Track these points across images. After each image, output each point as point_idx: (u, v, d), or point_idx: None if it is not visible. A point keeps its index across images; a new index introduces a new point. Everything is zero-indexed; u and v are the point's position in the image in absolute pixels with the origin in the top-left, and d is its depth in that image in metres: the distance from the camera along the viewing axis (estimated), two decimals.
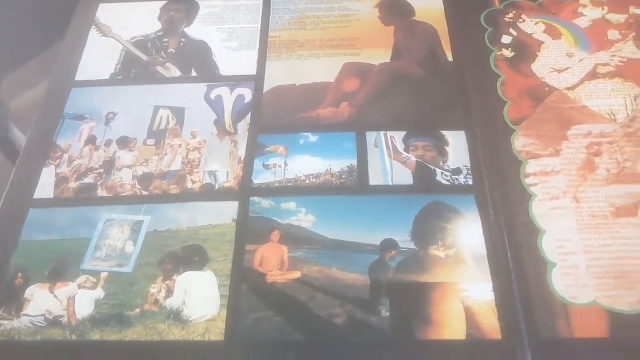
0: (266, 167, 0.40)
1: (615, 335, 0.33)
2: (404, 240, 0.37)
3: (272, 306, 0.34)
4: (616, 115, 0.41)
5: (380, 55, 0.47)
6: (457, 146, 0.41)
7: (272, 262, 0.36)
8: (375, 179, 0.40)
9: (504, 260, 0.36)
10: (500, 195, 0.38)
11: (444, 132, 0.42)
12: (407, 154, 0.41)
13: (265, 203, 0.39)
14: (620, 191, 0.37)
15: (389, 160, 0.41)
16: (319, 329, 0.33)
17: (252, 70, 0.46)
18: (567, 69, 0.44)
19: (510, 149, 0.40)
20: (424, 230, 0.37)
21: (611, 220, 0.36)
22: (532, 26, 0.47)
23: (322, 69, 0.46)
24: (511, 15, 0.48)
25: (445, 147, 0.41)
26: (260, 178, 0.40)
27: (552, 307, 0.34)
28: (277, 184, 0.40)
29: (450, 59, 0.46)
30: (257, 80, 0.45)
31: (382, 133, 0.42)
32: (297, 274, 0.35)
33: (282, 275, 0.35)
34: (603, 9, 0.47)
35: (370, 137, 0.42)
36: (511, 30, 0.47)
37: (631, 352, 0.32)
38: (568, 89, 0.43)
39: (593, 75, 0.43)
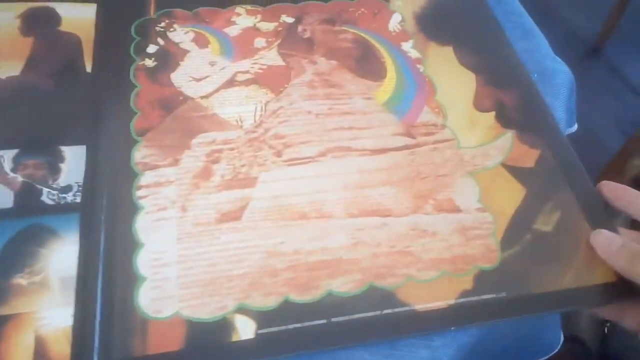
0: None
1: (190, 345, 0.31)
2: None
3: None
4: (244, 121, 0.41)
5: (10, 68, 0.42)
6: (74, 162, 0.38)
7: None
8: None
9: (93, 281, 0.33)
10: (107, 211, 0.36)
11: (63, 148, 0.39)
12: (13, 174, 0.37)
13: None
14: (230, 196, 0.37)
15: None
16: None
17: None
18: (206, 77, 0.44)
19: (129, 161, 0.38)
20: (12, 257, 0.33)
21: (214, 226, 0.36)
22: (181, 35, 0.46)
23: None
24: (163, 24, 0.46)
25: (60, 164, 0.38)
26: None
27: (132, 325, 0.32)
28: None
29: (90, 70, 0.43)
30: None
31: None
32: None
33: None
34: (256, 17, 0.48)
35: None
36: (159, 40, 0.45)
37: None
38: (202, 97, 0.42)
39: (231, 82, 0.43)
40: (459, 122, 0.43)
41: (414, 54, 0.48)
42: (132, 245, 0.35)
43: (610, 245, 0.36)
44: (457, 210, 0.38)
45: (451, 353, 0.35)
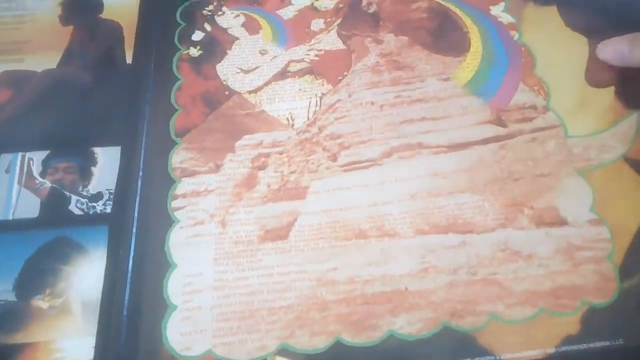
0: None
1: None
2: (5, 291, 0.29)
3: None
4: (295, 119, 0.35)
5: (47, 61, 0.39)
6: (107, 165, 0.34)
7: None
8: None
9: (118, 308, 0.28)
10: (139, 224, 0.31)
11: (97, 149, 0.35)
12: (42, 179, 0.33)
13: None
14: (276, 209, 0.32)
15: (18, 187, 0.33)
16: None
17: None
18: (256, 68, 0.38)
19: (166, 166, 0.33)
20: (33, 275, 0.30)
21: (256, 245, 0.30)
22: (230, 19, 0.41)
23: None
24: (211, 7, 0.41)
25: (92, 168, 0.34)
26: None
27: None
28: None
29: (130, 61, 0.39)
30: None
31: (19, 154, 0.34)
32: None
33: None
34: None
35: (5, 159, 0.34)
36: (205, 25, 0.40)
37: None
38: (250, 92, 0.37)
39: (283, 74, 0.38)
40: (566, 103, 0.35)
41: (506, 18, 0.39)
42: (163, 265, 0.30)
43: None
44: (562, 222, 0.30)
45: None
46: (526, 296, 0.28)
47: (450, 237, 0.30)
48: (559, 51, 0.37)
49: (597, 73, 0.35)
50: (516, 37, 0.38)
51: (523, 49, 0.37)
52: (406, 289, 0.28)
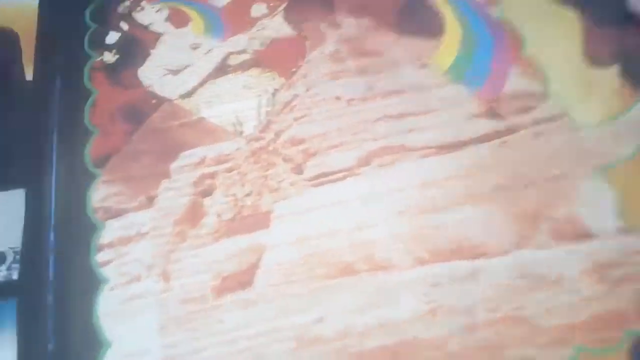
0: None
1: None
2: None
3: None
4: (244, 124, 0.28)
5: None
6: (8, 216, 0.27)
7: None
8: None
9: None
10: (56, 291, 0.24)
11: None
12: None
13: None
14: (233, 247, 0.25)
15: None
16: None
17: None
18: (186, 67, 0.30)
19: (84, 208, 0.25)
20: None
21: (212, 301, 0.23)
22: (152, 14, 0.33)
23: None
24: (127, 3, 0.33)
25: None
26: None
27: None
28: None
29: (30, 77, 0.31)
30: None
31: None
32: None
33: None
34: None
35: None
36: (121, 25, 0.32)
37: None
38: (183, 96, 0.29)
39: (222, 69, 0.30)
40: (566, 87, 0.28)
41: None
42: (93, 344, 0.22)
43: None
44: (587, 235, 0.24)
45: None
46: (560, 332, 0.22)
47: (456, 266, 0.24)
48: (549, 26, 0.30)
49: (595, 49, 0.29)
50: (497, 13, 0.31)
51: (506, 27, 0.31)
52: (416, 337, 0.22)
